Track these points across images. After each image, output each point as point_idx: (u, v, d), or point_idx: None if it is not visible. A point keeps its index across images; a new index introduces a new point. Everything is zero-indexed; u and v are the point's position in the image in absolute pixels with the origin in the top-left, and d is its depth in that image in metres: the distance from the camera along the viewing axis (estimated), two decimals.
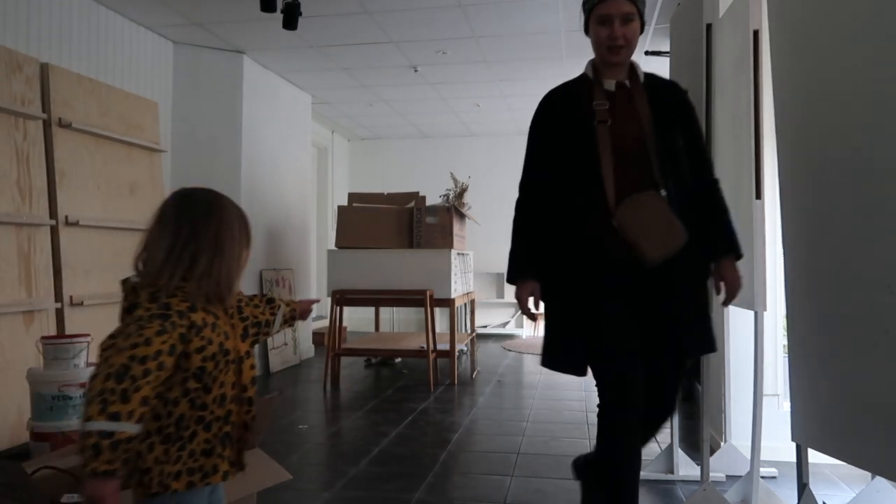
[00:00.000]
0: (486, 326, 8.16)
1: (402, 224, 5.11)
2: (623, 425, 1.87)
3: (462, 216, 5.49)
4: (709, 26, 2.65)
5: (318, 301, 1.79)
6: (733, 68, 2.48)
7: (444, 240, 5.02)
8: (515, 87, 6.13)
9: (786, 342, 2.64)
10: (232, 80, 5.12)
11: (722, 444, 2.89)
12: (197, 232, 1.27)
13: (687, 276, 1.90)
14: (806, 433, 2.08)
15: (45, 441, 2.86)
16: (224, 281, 1.31)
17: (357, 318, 7.80)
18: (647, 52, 4.62)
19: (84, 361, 3.04)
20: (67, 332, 3.55)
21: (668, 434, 2.89)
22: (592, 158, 1.88)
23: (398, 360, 6.02)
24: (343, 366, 5.38)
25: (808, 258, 2.01)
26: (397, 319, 8.09)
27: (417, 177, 7.70)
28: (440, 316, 7.48)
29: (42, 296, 3.46)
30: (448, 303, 4.87)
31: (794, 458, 2.22)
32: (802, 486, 2.13)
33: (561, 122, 1.98)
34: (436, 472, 2.90)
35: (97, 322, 3.82)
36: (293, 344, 5.86)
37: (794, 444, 2.17)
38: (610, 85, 1.96)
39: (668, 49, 3.46)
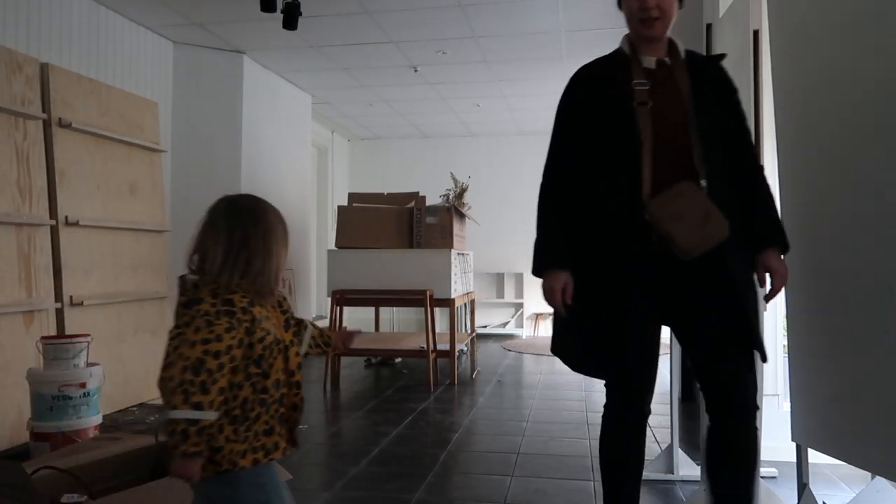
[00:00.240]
0: (486, 326, 8.16)
1: (402, 224, 5.11)
2: (620, 426, 1.86)
3: (462, 216, 5.49)
4: (709, 26, 2.65)
5: (359, 332, 1.83)
6: (733, 68, 2.48)
7: (444, 240, 5.02)
8: (515, 87, 6.13)
9: (786, 342, 2.64)
10: (232, 80, 5.12)
11: None
12: (248, 236, 1.43)
13: (740, 268, 1.72)
14: (806, 433, 2.08)
15: (45, 441, 2.86)
16: (273, 278, 1.47)
17: (357, 319, 7.80)
18: None
19: (84, 361, 3.04)
20: (67, 332, 3.55)
21: (668, 434, 2.89)
22: (630, 143, 1.71)
23: (398, 360, 6.02)
24: (343, 366, 5.38)
25: (808, 258, 2.01)
26: (397, 319, 8.09)
27: (417, 177, 7.70)
28: (440, 316, 7.49)
29: (42, 296, 3.46)
30: (448, 303, 4.87)
31: (794, 458, 2.22)
32: (802, 486, 2.13)
33: (593, 102, 1.80)
34: (436, 472, 2.90)
35: (97, 322, 3.82)
36: None
37: (794, 444, 2.18)
38: (650, 62, 1.78)
39: None
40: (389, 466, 2.98)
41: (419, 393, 4.63)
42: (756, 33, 2.29)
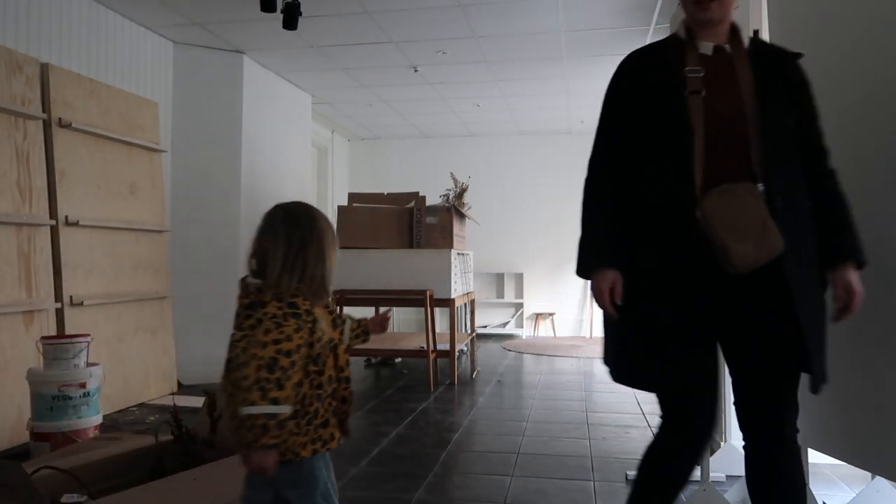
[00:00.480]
0: (486, 326, 8.16)
1: (402, 224, 5.11)
2: (675, 447, 1.67)
3: (462, 216, 5.49)
4: None
5: (390, 310, 1.95)
6: None
7: (444, 240, 5.02)
8: (515, 87, 6.13)
9: None
10: (232, 80, 5.12)
11: (722, 444, 2.89)
12: (304, 242, 1.53)
13: (803, 284, 1.52)
14: (805, 433, 2.08)
15: (45, 441, 2.86)
16: (327, 282, 1.57)
17: None
18: None
19: (84, 361, 3.04)
20: (67, 332, 3.55)
21: None
22: (679, 135, 1.56)
23: (398, 360, 6.02)
24: None
25: None
26: (397, 319, 8.09)
27: (417, 177, 7.70)
28: (440, 316, 7.48)
29: (42, 296, 3.46)
30: (448, 303, 4.87)
31: None
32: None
33: (643, 90, 1.65)
34: (436, 472, 2.90)
35: (97, 322, 3.82)
36: None
37: None
38: (707, 48, 1.62)
39: None
40: (389, 466, 2.98)
41: (419, 393, 4.63)
42: (756, 33, 2.29)
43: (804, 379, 1.55)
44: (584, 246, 1.69)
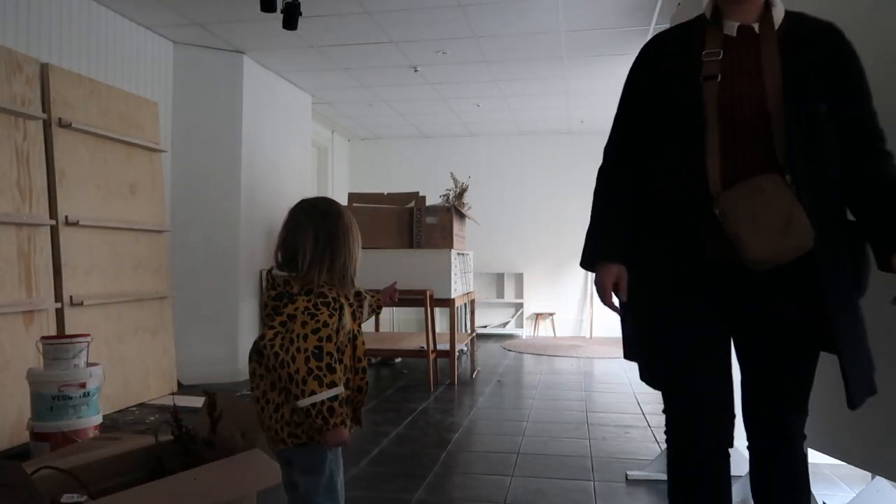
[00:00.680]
0: (486, 326, 8.16)
1: (402, 224, 5.11)
2: (688, 444, 1.53)
3: (462, 216, 5.49)
4: None
5: (395, 283, 2.04)
6: None
7: (444, 240, 5.02)
8: (515, 87, 6.13)
9: None
10: (232, 80, 5.12)
11: None
12: (330, 236, 1.60)
13: (836, 285, 1.40)
14: (806, 433, 2.08)
15: (45, 441, 2.86)
16: (351, 274, 1.64)
17: None
18: None
19: (84, 361, 3.04)
20: (67, 332, 3.55)
21: None
22: (692, 126, 1.45)
23: (398, 360, 6.02)
24: None
25: None
26: (397, 319, 8.09)
27: (417, 177, 7.70)
28: (440, 316, 7.48)
29: (42, 296, 3.46)
30: (448, 303, 4.87)
31: None
32: None
33: (659, 77, 1.53)
34: (436, 472, 2.90)
35: (97, 322, 3.82)
36: None
37: None
38: (731, 28, 1.47)
39: None
40: (389, 466, 2.98)
41: (419, 393, 4.63)
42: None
43: (839, 393, 1.43)
44: (589, 237, 1.61)
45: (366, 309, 1.80)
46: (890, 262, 1.40)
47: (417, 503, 2.54)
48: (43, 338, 3.07)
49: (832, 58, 1.45)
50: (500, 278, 8.25)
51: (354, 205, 5.25)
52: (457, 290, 5.04)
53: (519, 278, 8.16)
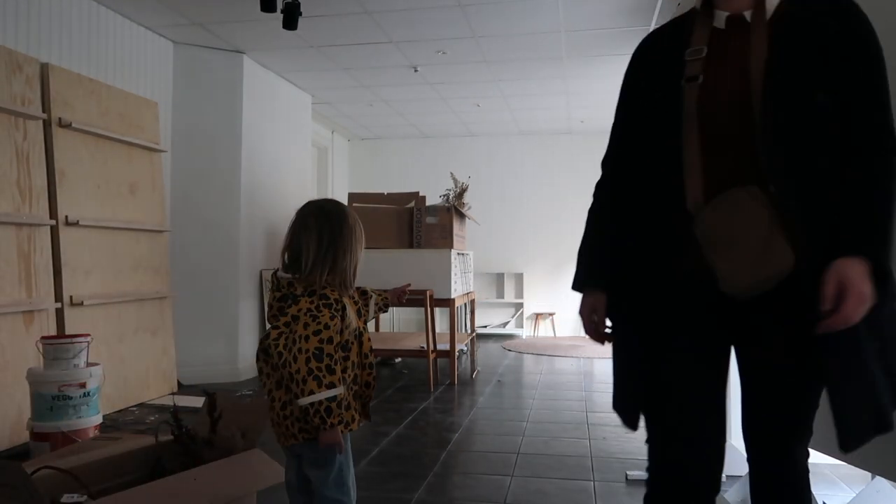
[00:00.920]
0: (486, 326, 8.16)
1: (402, 224, 5.11)
2: (671, 487, 1.36)
3: (462, 216, 5.49)
4: None
5: (409, 285, 2.06)
6: None
7: (444, 240, 5.02)
8: (515, 87, 6.13)
9: None
10: (232, 80, 5.12)
11: None
12: (334, 237, 1.63)
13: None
14: None
15: (45, 441, 2.86)
16: (353, 273, 1.67)
17: None
18: None
19: (84, 361, 3.04)
20: (67, 332, 3.56)
21: None
22: (670, 133, 1.30)
23: (398, 360, 6.02)
24: None
25: None
26: (397, 319, 8.09)
27: (417, 177, 7.70)
28: (440, 316, 7.48)
29: (42, 296, 3.46)
30: (448, 303, 4.87)
31: None
32: None
33: (645, 80, 1.39)
34: (436, 472, 2.90)
35: (97, 322, 3.82)
36: None
37: None
38: (720, 20, 1.30)
39: None
40: (389, 466, 2.98)
41: (419, 393, 4.63)
42: None
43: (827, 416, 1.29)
44: (577, 259, 1.48)
45: (371, 307, 1.82)
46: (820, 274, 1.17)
47: (417, 503, 2.54)
48: (43, 338, 3.07)
49: (837, 40, 1.22)
50: (500, 278, 8.25)
51: (354, 205, 5.25)
52: (457, 290, 5.04)
53: (519, 278, 8.16)
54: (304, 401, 1.52)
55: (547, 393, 4.67)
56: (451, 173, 5.77)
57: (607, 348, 1.45)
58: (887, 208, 1.19)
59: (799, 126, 1.21)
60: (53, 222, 3.57)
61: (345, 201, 5.62)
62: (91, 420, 3.00)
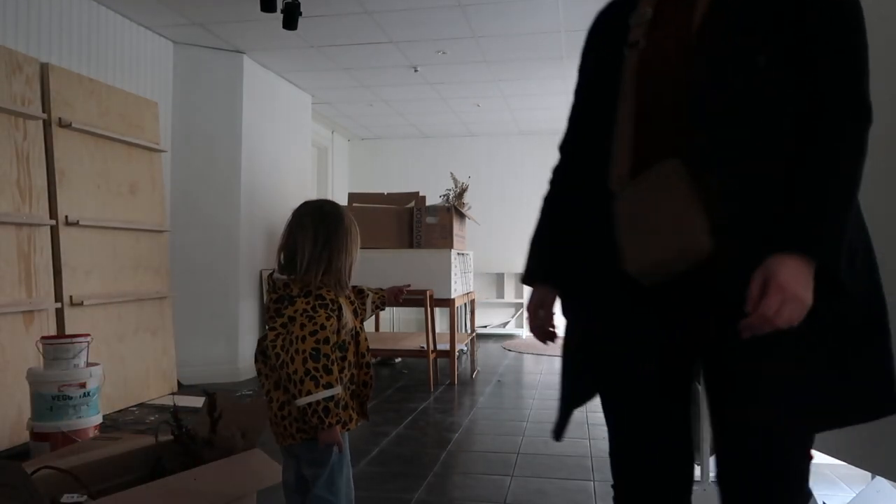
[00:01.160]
0: (486, 326, 8.16)
1: (402, 224, 5.11)
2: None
3: (462, 216, 5.49)
4: None
5: (408, 286, 2.05)
6: None
7: (444, 240, 5.02)
8: (515, 87, 6.13)
9: None
10: (232, 80, 5.12)
11: None
12: (330, 238, 1.63)
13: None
14: None
15: (45, 441, 2.86)
16: (349, 274, 1.68)
17: None
18: None
19: (84, 361, 3.04)
20: (67, 332, 3.55)
21: None
22: (608, 105, 1.18)
23: (398, 360, 6.02)
24: None
25: None
26: (397, 319, 8.09)
27: (417, 177, 7.70)
28: (440, 316, 7.48)
29: (42, 296, 3.46)
30: (448, 303, 4.87)
31: None
32: None
33: (599, 47, 1.29)
34: (436, 472, 2.90)
35: (97, 322, 3.82)
36: None
37: None
38: None
39: None
40: (389, 466, 2.98)
41: (419, 393, 4.63)
42: None
43: None
44: (528, 250, 1.38)
45: (368, 306, 1.83)
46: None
47: (417, 503, 2.54)
48: (43, 338, 3.07)
49: (801, 3, 1.06)
50: (500, 278, 8.25)
51: (354, 205, 5.25)
52: (457, 290, 5.04)
53: (519, 278, 8.15)
54: (302, 401, 1.53)
55: (547, 393, 4.66)
56: (451, 173, 5.78)
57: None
58: (846, 192, 1.03)
59: (734, 94, 1.05)
60: (53, 222, 3.57)
61: (345, 201, 5.63)
62: (91, 420, 3.00)
